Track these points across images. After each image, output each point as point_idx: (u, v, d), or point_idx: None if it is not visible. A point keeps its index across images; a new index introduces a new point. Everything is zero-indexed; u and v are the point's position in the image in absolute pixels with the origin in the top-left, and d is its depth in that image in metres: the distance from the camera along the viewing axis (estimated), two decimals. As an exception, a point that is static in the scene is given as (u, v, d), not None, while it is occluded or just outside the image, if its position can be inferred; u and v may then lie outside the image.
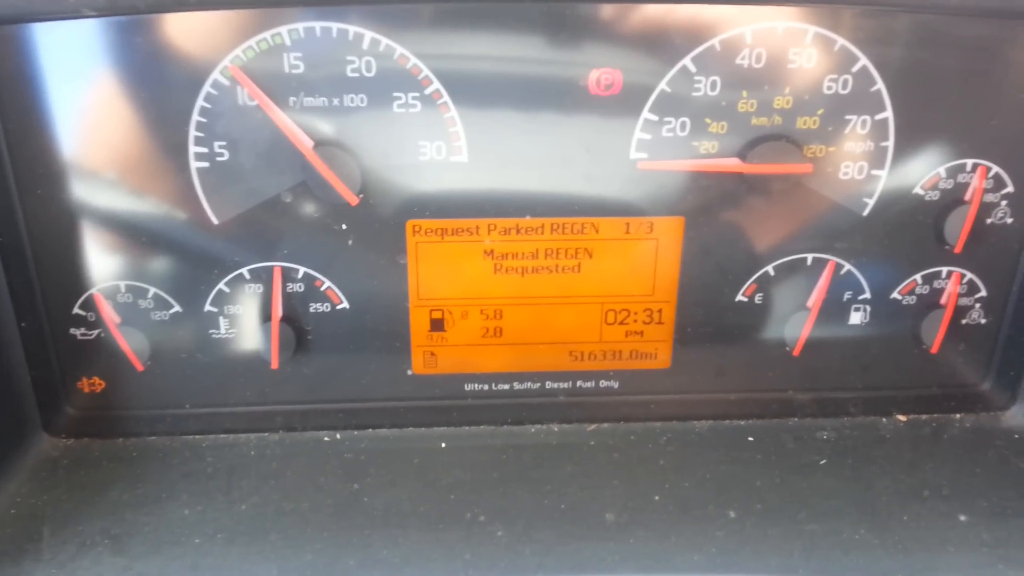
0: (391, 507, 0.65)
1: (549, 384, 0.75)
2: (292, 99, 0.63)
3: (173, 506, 0.65)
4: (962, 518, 0.64)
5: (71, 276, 0.68)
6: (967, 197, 0.69)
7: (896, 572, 0.59)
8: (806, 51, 0.63)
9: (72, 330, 0.70)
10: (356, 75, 0.63)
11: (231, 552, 0.60)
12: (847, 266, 0.71)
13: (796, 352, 0.74)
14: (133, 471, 0.69)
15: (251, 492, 0.66)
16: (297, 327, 0.71)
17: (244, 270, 0.69)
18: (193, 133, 0.64)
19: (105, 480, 0.67)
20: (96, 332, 0.70)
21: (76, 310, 0.69)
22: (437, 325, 0.72)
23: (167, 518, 0.63)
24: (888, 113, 0.66)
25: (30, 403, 0.71)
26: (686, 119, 0.65)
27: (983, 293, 0.73)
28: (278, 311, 0.69)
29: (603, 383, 0.75)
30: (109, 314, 0.69)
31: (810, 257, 0.71)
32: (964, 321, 0.74)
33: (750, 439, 0.73)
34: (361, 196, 0.66)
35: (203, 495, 0.66)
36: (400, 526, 0.63)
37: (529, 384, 0.75)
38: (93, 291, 0.69)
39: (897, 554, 0.60)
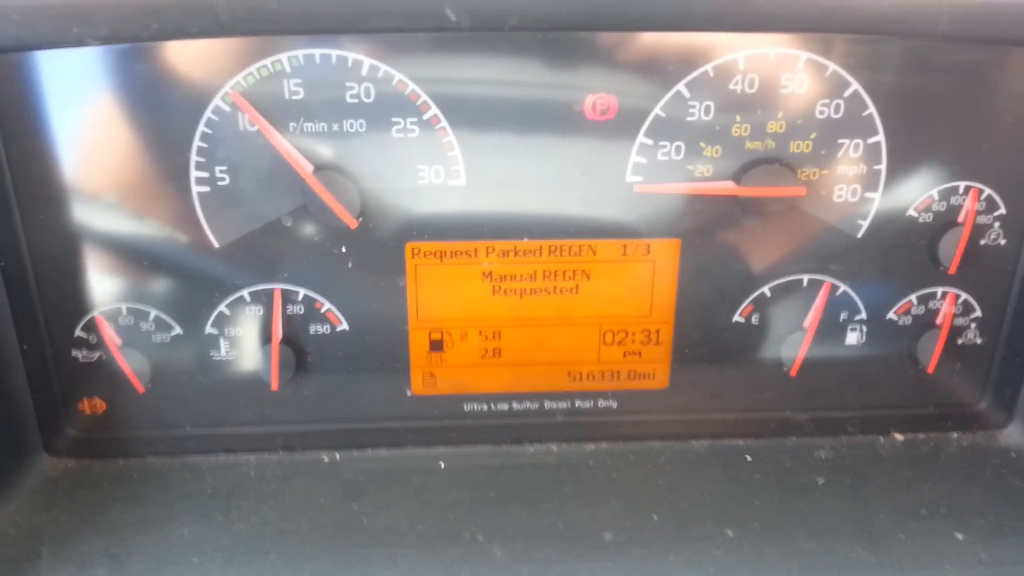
0: (390, 527, 0.65)
1: (548, 404, 0.75)
2: (292, 124, 0.64)
3: (172, 526, 0.65)
4: (959, 536, 0.64)
5: (73, 299, 0.69)
6: (960, 219, 0.69)
7: (893, 591, 0.59)
8: (798, 76, 0.64)
9: (74, 352, 0.71)
10: (355, 101, 0.63)
11: (230, 572, 0.61)
12: (843, 287, 0.72)
13: (793, 372, 0.74)
14: (133, 491, 0.69)
15: (250, 512, 0.66)
16: (297, 349, 0.71)
17: (245, 292, 0.69)
18: (194, 158, 0.64)
19: (105, 500, 0.68)
20: (97, 354, 0.71)
21: (78, 332, 0.70)
22: (436, 346, 0.72)
23: (166, 538, 0.64)
24: (880, 137, 0.66)
25: (31, 424, 0.71)
26: (681, 143, 0.66)
27: (978, 313, 0.74)
28: (278, 333, 0.70)
29: (601, 403, 0.76)
30: (110, 336, 0.70)
31: (806, 278, 0.72)
32: (960, 341, 0.75)
33: (748, 458, 0.73)
34: (360, 219, 0.67)
35: (202, 515, 0.66)
36: (399, 546, 0.63)
37: (528, 404, 0.75)
38: (95, 313, 0.69)
39: (894, 572, 0.61)
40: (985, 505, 0.67)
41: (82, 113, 0.63)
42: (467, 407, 0.75)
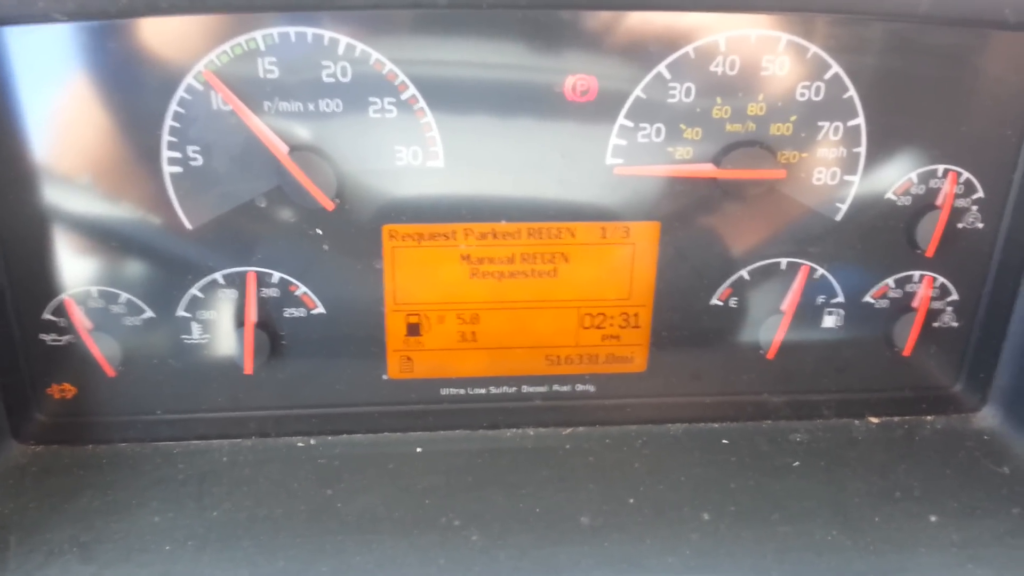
0: (365, 512, 0.64)
1: (525, 388, 0.75)
2: (267, 104, 0.63)
3: (143, 513, 0.64)
4: (932, 519, 0.64)
5: (41, 281, 0.67)
6: (938, 202, 0.70)
7: (868, 573, 0.60)
8: (779, 58, 0.64)
9: (42, 336, 0.69)
10: (331, 80, 0.62)
11: (202, 559, 0.60)
12: (821, 270, 0.72)
13: (770, 355, 0.74)
14: (103, 478, 0.68)
15: (223, 498, 0.66)
16: (272, 332, 0.70)
17: (218, 275, 0.68)
18: (166, 138, 0.63)
19: (75, 487, 0.67)
20: (67, 338, 0.69)
21: (46, 315, 0.69)
22: (413, 330, 0.72)
23: (137, 525, 0.63)
24: (860, 120, 0.66)
25: (-1, 410, 0.70)
26: (661, 125, 0.66)
27: (955, 297, 0.74)
28: (252, 316, 0.69)
29: (579, 387, 0.75)
30: (80, 319, 0.69)
31: (784, 261, 0.72)
32: (936, 324, 0.75)
33: (725, 442, 0.74)
34: (337, 201, 0.66)
35: (174, 502, 0.65)
36: (374, 531, 0.63)
37: (505, 388, 0.75)
38: (64, 296, 0.68)
39: (869, 555, 0.61)
40: (959, 488, 0.68)
41: (52, 92, 0.62)
42: (444, 391, 0.75)
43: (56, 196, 0.65)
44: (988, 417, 0.77)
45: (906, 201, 0.70)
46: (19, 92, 0.61)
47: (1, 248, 0.66)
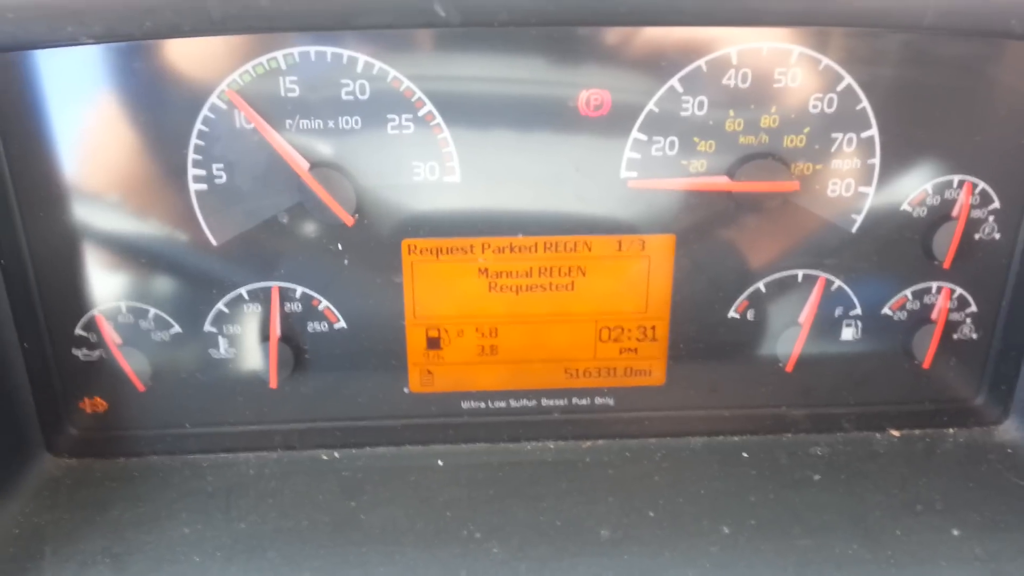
0: (388, 524, 0.65)
1: (545, 401, 0.76)
2: (288, 122, 0.64)
3: (173, 525, 0.65)
4: (955, 532, 0.64)
5: (73, 298, 0.69)
6: (954, 213, 0.69)
7: (888, 586, 0.59)
8: (791, 71, 0.64)
9: (74, 351, 0.71)
10: (350, 98, 0.64)
11: (229, 570, 0.61)
12: (837, 282, 0.72)
13: (789, 368, 0.74)
14: (134, 490, 0.69)
15: (250, 510, 0.67)
16: (295, 346, 0.72)
17: (243, 290, 0.70)
18: (191, 156, 0.65)
19: (106, 499, 0.68)
20: (97, 353, 0.71)
21: (78, 331, 0.70)
22: (433, 343, 0.73)
23: (167, 537, 0.64)
24: (874, 131, 0.67)
25: (33, 423, 0.72)
26: (675, 138, 0.66)
27: (973, 308, 0.74)
28: (276, 331, 0.70)
29: (598, 400, 0.76)
30: (110, 335, 0.70)
31: (800, 274, 0.72)
32: (955, 336, 0.75)
33: (744, 455, 0.73)
34: (356, 216, 0.67)
35: (202, 513, 0.66)
36: (397, 543, 0.63)
37: (525, 402, 0.75)
38: (94, 312, 0.70)
39: (890, 568, 0.61)
40: (981, 501, 0.67)
41: (80, 112, 0.64)
42: (465, 405, 0.75)
43: (86, 214, 0.67)
44: (1010, 430, 0.76)
45: (922, 212, 0.70)
46: (50, 113, 0.63)
47: (33, 265, 0.68)
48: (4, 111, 0.63)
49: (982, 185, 0.69)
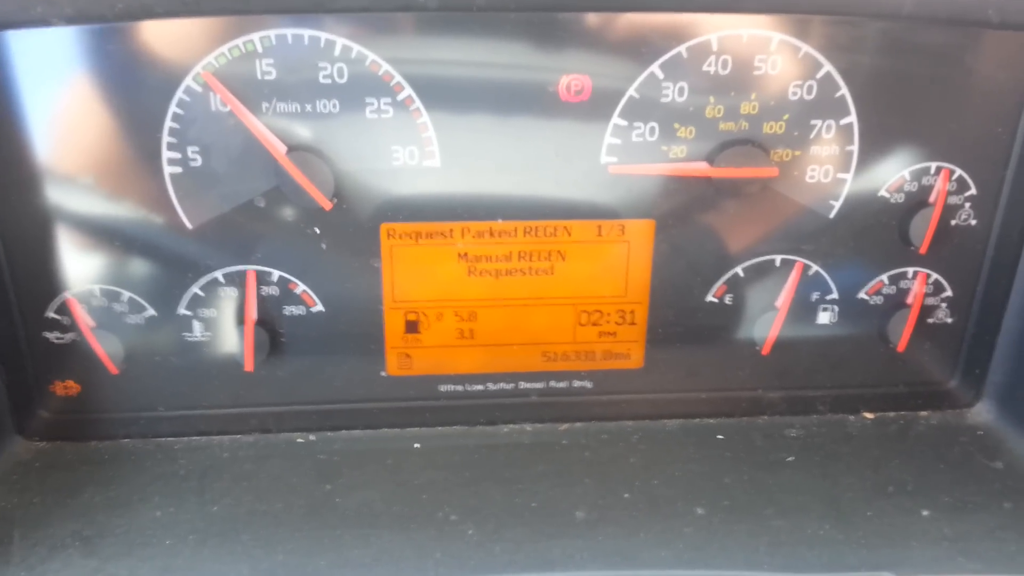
0: (363, 507, 0.65)
1: (522, 384, 0.76)
2: (265, 105, 0.63)
3: (145, 508, 0.65)
4: (925, 513, 0.65)
5: (45, 280, 0.68)
6: (931, 199, 0.70)
7: (859, 566, 0.60)
8: (771, 58, 0.64)
9: (46, 334, 0.70)
10: (328, 81, 0.63)
11: (202, 553, 0.61)
12: (815, 267, 0.72)
13: (765, 351, 0.75)
14: (106, 474, 0.69)
15: (223, 493, 0.66)
16: (272, 330, 0.71)
17: (218, 274, 0.69)
18: (166, 139, 0.64)
19: (77, 483, 0.67)
20: (70, 336, 0.70)
21: (50, 314, 0.70)
22: (412, 327, 0.72)
23: (139, 520, 0.63)
24: (852, 118, 0.67)
25: (3, 407, 0.71)
26: (655, 124, 0.66)
27: (949, 293, 0.75)
28: (253, 314, 0.70)
29: (576, 383, 0.76)
30: (83, 318, 0.69)
31: (778, 259, 0.72)
32: (930, 320, 0.76)
33: (720, 437, 0.74)
34: (335, 201, 0.66)
35: (175, 497, 0.66)
36: (372, 526, 0.63)
37: (503, 385, 0.75)
38: (67, 295, 0.69)
39: (860, 549, 0.61)
40: (952, 483, 0.68)
41: (53, 94, 0.62)
42: (442, 388, 0.75)
43: (58, 197, 0.65)
44: (982, 413, 0.77)
45: (899, 198, 0.70)
46: (21, 94, 0.62)
47: (5, 248, 0.67)
48: (-27, 92, 0.62)
49: (959, 172, 0.70)
